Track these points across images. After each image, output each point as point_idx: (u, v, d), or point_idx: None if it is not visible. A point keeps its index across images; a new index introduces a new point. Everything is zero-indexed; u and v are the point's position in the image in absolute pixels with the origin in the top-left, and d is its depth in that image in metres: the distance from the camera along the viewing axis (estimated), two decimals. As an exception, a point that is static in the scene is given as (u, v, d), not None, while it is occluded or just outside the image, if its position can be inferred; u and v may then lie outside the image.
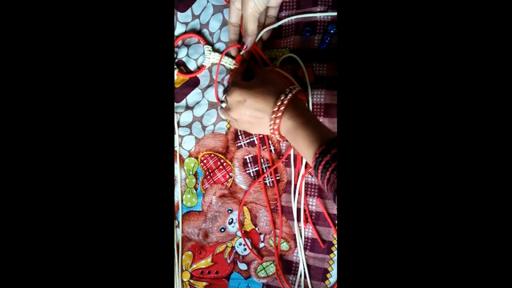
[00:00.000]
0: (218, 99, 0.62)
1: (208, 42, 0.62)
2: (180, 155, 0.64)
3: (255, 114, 0.49)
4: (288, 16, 0.58)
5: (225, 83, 0.62)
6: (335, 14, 0.56)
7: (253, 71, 0.56)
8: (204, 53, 0.62)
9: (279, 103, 0.46)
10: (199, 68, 0.62)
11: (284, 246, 0.61)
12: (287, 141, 0.58)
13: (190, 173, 0.64)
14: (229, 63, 0.61)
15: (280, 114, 0.46)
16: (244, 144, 0.62)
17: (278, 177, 0.60)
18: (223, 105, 0.56)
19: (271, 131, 0.48)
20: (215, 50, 0.62)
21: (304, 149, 0.45)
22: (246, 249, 0.62)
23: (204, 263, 0.64)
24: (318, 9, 0.57)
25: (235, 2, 0.55)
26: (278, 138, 0.49)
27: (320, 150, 0.42)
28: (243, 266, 0.63)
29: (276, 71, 0.56)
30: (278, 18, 0.59)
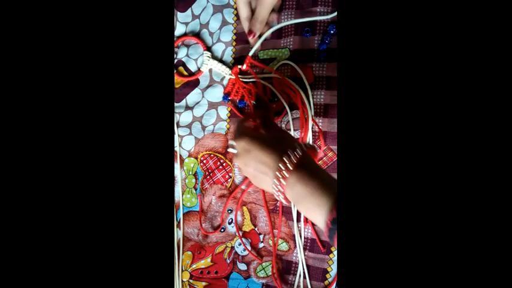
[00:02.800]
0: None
1: (207, 47, 0.62)
2: (180, 155, 0.64)
3: (259, 168, 0.43)
4: (288, 15, 0.58)
5: (225, 82, 0.62)
6: (335, 14, 0.56)
7: (269, 120, 0.51)
8: (203, 53, 0.62)
9: (286, 160, 0.40)
10: (199, 70, 0.63)
11: (283, 246, 0.61)
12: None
13: (190, 173, 0.64)
14: (226, 72, 0.61)
15: (287, 174, 0.40)
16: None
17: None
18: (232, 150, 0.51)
19: (276, 192, 0.42)
20: (214, 57, 0.62)
21: (316, 216, 0.39)
22: (245, 249, 0.62)
23: (204, 263, 0.64)
24: (318, 9, 0.57)
25: None
26: (284, 202, 0.43)
27: (332, 219, 0.37)
28: (242, 266, 0.63)
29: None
30: (278, 21, 0.59)
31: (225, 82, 0.62)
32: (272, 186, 0.42)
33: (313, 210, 0.39)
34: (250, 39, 0.57)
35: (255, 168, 0.44)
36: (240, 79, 0.60)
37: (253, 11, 0.56)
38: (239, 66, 0.59)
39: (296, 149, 0.41)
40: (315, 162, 0.43)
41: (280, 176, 0.40)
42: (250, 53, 0.59)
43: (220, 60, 0.62)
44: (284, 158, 0.40)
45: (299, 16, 0.58)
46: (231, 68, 0.61)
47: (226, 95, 0.62)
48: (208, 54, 0.61)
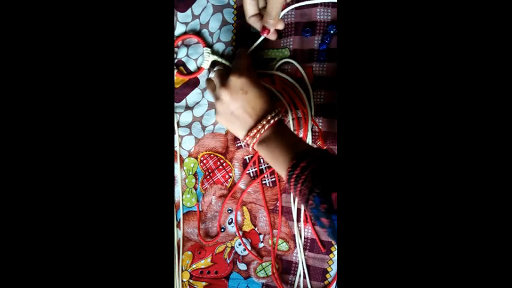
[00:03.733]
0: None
1: (207, 44, 0.62)
2: (180, 155, 0.64)
3: (245, 110, 0.48)
4: (288, 16, 0.58)
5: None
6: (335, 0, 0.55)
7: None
8: (203, 53, 0.62)
9: (273, 114, 0.48)
10: (198, 69, 0.62)
11: (283, 246, 0.61)
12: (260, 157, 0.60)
13: (190, 173, 0.64)
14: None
15: (268, 125, 0.47)
16: (244, 144, 0.62)
17: (274, 179, 0.60)
18: (212, 75, 0.54)
19: (246, 138, 0.49)
20: (214, 53, 0.62)
21: (279, 166, 0.46)
22: (245, 249, 0.62)
23: (204, 263, 0.64)
24: (318, 10, 0.57)
25: None
26: (248, 146, 0.50)
27: (291, 164, 0.43)
28: (242, 266, 0.63)
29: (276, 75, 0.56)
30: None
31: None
32: (244, 132, 0.49)
33: (275, 159, 0.46)
34: (265, 35, 0.55)
35: (241, 109, 0.48)
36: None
37: (260, 10, 0.55)
38: (265, 35, 0.56)
39: (277, 110, 0.48)
40: (285, 124, 0.50)
41: (261, 127, 0.47)
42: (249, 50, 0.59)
43: (221, 55, 0.62)
44: (272, 113, 0.47)
45: (299, 16, 0.58)
46: (230, 62, 0.61)
47: None
48: (208, 50, 0.61)
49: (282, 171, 0.46)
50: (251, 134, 0.48)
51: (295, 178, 0.42)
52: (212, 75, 0.55)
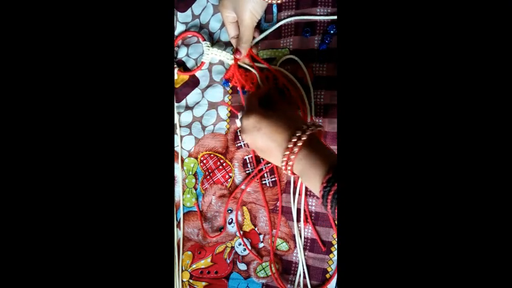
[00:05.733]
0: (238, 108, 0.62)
1: (206, 39, 0.62)
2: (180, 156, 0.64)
3: (268, 145, 0.47)
4: (288, 16, 0.58)
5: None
6: (334, 17, 0.56)
7: (273, 98, 0.54)
8: (203, 53, 0.62)
9: (295, 139, 0.44)
10: (199, 65, 0.62)
11: (283, 246, 0.61)
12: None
13: (190, 173, 0.64)
14: (227, 57, 0.61)
15: (296, 151, 0.43)
16: (244, 144, 0.62)
17: (274, 179, 0.60)
18: (238, 124, 0.54)
19: (284, 167, 0.46)
20: (213, 45, 0.61)
21: (314, 183, 0.43)
22: (245, 249, 0.62)
23: (204, 263, 0.64)
24: (318, 10, 0.57)
25: (228, 17, 0.55)
26: (290, 174, 0.47)
27: (327, 179, 0.40)
28: (242, 266, 0.63)
29: (294, 99, 0.56)
30: (277, 19, 0.59)
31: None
32: (281, 163, 0.46)
33: (313, 178, 0.42)
34: (237, 56, 0.59)
35: (264, 144, 0.47)
36: (241, 66, 0.60)
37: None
38: (238, 61, 0.59)
39: (303, 128, 0.44)
40: (318, 139, 0.47)
41: (289, 154, 0.44)
42: (239, 60, 0.59)
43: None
44: (293, 138, 0.44)
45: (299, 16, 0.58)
46: (232, 53, 0.61)
47: (226, 81, 0.62)
48: (208, 43, 0.61)
49: (315, 187, 0.42)
50: (283, 165, 0.46)
51: (333, 195, 0.38)
52: (238, 123, 0.56)
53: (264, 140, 0.47)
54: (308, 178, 0.44)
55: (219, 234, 0.63)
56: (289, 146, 0.44)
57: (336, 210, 0.39)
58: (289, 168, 0.45)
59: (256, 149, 0.50)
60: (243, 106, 0.60)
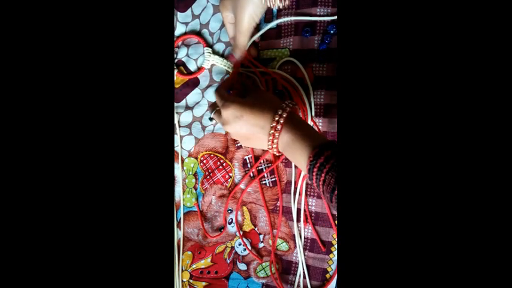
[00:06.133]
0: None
1: (208, 44, 0.62)
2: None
3: (252, 130, 0.48)
4: (288, 15, 0.58)
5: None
6: (334, 17, 0.56)
7: (247, 88, 0.56)
8: (203, 53, 0.62)
9: (277, 118, 0.46)
10: (199, 69, 0.62)
11: (283, 246, 0.61)
12: (286, 159, 0.59)
13: (190, 173, 0.64)
14: (228, 66, 0.61)
15: (279, 128, 0.46)
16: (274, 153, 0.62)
17: (274, 179, 0.60)
18: (214, 121, 0.58)
19: (270, 146, 0.48)
20: (215, 53, 0.62)
21: (300, 157, 0.45)
22: (245, 249, 0.62)
23: (204, 263, 0.64)
24: (318, 10, 0.57)
25: (228, 17, 0.55)
26: (276, 153, 0.49)
27: (313, 153, 0.42)
28: (242, 266, 0.63)
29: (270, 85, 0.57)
30: (277, 18, 0.59)
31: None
32: (267, 144, 0.48)
33: (300, 153, 0.45)
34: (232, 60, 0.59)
35: (248, 131, 0.48)
36: (241, 72, 0.60)
37: None
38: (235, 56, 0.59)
39: (283, 106, 0.47)
40: (298, 115, 0.50)
41: (274, 132, 0.46)
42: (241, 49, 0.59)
43: (222, 55, 0.62)
44: (275, 117, 0.46)
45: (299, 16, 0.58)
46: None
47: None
48: (209, 50, 0.61)
49: (302, 162, 0.45)
50: (269, 145, 0.48)
51: (319, 167, 0.41)
52: (214, 119, 0.59)
53: (248, 127, 0.48)
54: (293, 152, 0.46)
55: (220, 234, 0.63)
56: (272, 125, 0.46)
57: (321, 183, 0.41)
58: (274, 146, 0.47)
59: (241, 139, 0.51)
60: (213, 103, 0.61)
